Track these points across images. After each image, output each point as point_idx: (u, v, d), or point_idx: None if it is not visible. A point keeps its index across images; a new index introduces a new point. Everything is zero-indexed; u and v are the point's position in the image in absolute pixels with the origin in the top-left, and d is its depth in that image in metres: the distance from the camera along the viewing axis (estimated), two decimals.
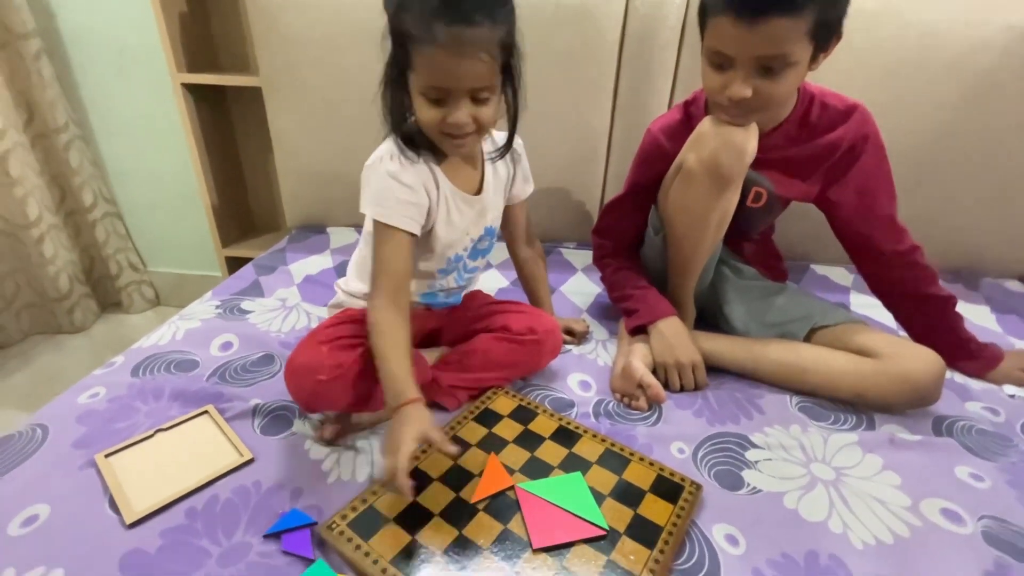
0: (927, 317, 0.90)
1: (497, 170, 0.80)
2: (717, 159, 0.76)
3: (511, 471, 0.66)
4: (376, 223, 0.69)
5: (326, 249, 1.29)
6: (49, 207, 1.46)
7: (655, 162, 0.89)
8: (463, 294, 0.88)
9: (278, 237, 1.39)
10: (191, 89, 1.33)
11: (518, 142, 0.80)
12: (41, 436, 0.68)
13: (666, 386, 0.84)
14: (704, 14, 0.72)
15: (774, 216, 0.94)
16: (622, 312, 0.96)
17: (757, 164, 0.79)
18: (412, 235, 0.69)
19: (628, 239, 1.00)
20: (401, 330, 0.66)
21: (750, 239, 0.99)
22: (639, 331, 0.90)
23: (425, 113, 0.64)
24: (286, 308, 1.03)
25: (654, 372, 0.85)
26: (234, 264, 1.48)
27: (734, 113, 0.74)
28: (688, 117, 0.87)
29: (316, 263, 1.22)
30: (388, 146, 0.70)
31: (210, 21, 1.38)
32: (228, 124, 1.50)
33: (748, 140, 0.75)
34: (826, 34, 0.69)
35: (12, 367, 1.43)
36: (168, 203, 1.61)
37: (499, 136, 0.79)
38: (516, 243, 0.91)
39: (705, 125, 0.78)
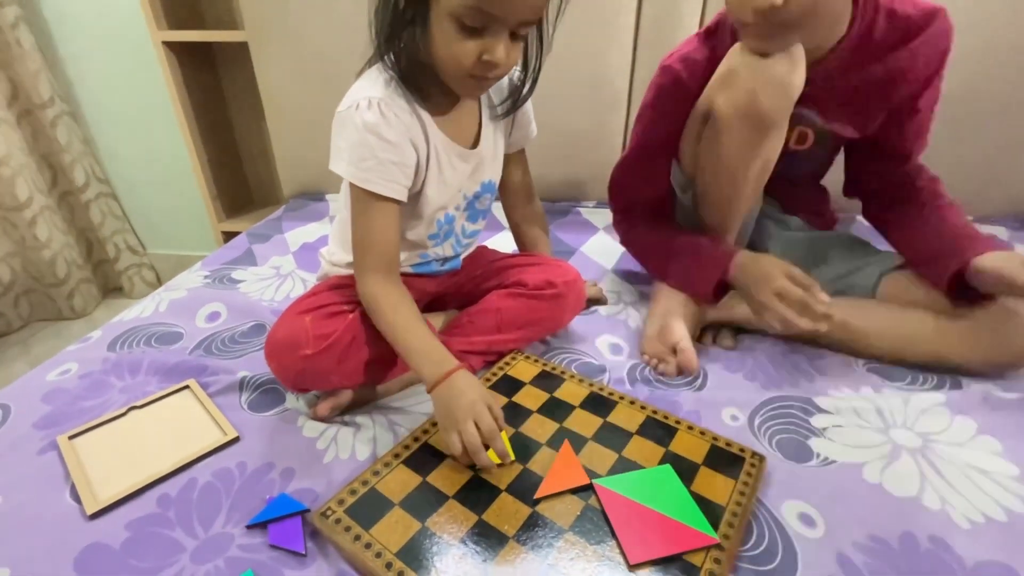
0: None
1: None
2: (755, 100, 0.61)
3: (537, 444, 0.56)
4: (353, 187, 0.58)
5: (324, 216, 1.20)
6: (40, 188, 1.39)
7: (676, 106, 0.72)
8: (463, 257, 0.77)
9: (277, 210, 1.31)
10: (175, 49, 1.23)
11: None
12: (1, 417, 0.60)
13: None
14: None
15: (827, 156, 0.81)
16: (671, 280, 0.78)
17: (801, 97, 0.63)
18: (398, 202, 0.59)
19: (651, 201, 0.84)
20: (408, 301, 0.60)
21: (795, 184, 0.85)
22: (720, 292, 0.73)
23: (454, 45, 0.51)
24: (280, 276, 0.95)
25: (702, 334, 0.74)
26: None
27: (762, 33, 0.58)
28: (711, 52, 0.70)
29: (314, 230, 1.14)
30: (365, 87, 0.57)
31: None
32: (219, 91, 1.41)
33: (793, 72, 0.59)
34: None
35: (13, 354, 1.38)
36: (163, 181, 1.53)
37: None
38: (513, 200, 0.79)
39: (735, 57, 0.62)
